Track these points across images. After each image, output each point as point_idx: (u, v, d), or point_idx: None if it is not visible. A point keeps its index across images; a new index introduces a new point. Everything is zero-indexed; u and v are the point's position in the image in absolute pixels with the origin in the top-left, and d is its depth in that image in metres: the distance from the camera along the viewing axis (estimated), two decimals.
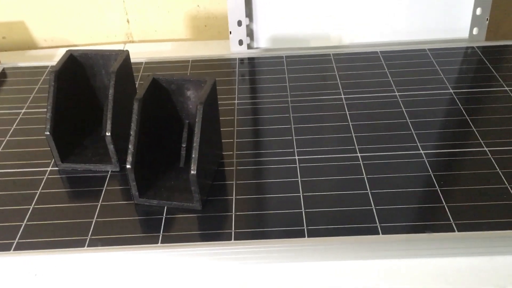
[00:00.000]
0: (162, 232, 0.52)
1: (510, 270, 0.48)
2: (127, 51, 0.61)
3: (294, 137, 0.64)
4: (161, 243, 0.51)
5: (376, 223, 0.51)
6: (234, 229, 0.52)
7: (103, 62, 0.62)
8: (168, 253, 0.50)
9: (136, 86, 0.68)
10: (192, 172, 0.51)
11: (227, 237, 0.51)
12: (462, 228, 0.50)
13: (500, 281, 0.47)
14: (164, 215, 0.54)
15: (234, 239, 0.51)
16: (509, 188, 0.54)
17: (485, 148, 0.60)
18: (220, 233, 0.51)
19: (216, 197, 0.56)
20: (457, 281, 0.47)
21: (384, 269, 0.48)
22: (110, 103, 0.57)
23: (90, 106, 0.65)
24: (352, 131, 0.64)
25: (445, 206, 0.53)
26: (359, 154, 0.60)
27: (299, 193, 0.55)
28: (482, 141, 0.61)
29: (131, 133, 0.53)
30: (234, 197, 0.56)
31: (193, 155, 0.51)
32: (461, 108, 0.68)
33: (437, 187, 0.55)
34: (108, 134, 0.57)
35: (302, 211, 0.53)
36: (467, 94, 0.70)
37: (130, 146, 0.53)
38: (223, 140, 0.63)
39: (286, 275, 0.48)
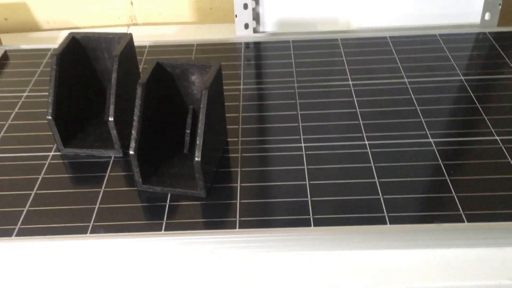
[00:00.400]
0: (166, 220, 0.51)
1: None
2: (131, 34, 0.60)
3: (300, 124, 0.62)
4: (164, 230, 0.50)
5: (384, 213, 0.50)
6: (239, 217, 0.51)
7: (106, 46, 0.60)
8: (171, 241, 0.49)
9: (140, 70, 0.67)
10: (196, 159, 0.50)
11: (231, 225, 0.50)
12: (471, 218, 0.49)
13: (511, 273, 0.46)
14: (168, 202, 0.53)
15: (239, 228, 0.50)
16: None
17: (496, 137, 0.59)
18: (224, 221, 0.50)
19: (221, 184, 0.55)
20: (466, 272, 0.46)
21: (391, 260, 0.48)
22: (113, 87, 0.56)
23: (93, 90, 0.63)
24: (360, 118, 0.63)
25: (455, 196, 0.52)
26: (366, 142, 0.59)
27: (305, 181, 0.54)
28: (493, 130, 0.60)
29: (135, 118, 0.52)
30: (239, 185, 0.55)
31: (197, 142, 0.50)
32: (472, 95, 0.66)
33: (447, 177, 0.54)
34: (111, 119, 0.56)
35: (308, 200, 0.52)
36: (478, 81, 0.69)
37: (133, 132, 0.52)
38: (228, 126, 0.62)
39: (290, 264, 0.48)
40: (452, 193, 0.52)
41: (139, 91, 0.51)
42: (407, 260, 0.48)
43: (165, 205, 0.53)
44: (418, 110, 0.64)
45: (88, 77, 0.62)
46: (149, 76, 0.52)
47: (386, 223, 0.49)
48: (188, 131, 0.57)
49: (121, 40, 0.59)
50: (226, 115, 0.61)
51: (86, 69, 0.62)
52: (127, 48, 0.58)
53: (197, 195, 0.53)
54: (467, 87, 0.68)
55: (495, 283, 0.46)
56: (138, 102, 0.52)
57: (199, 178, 0.52)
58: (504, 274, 0.46)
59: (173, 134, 0.58)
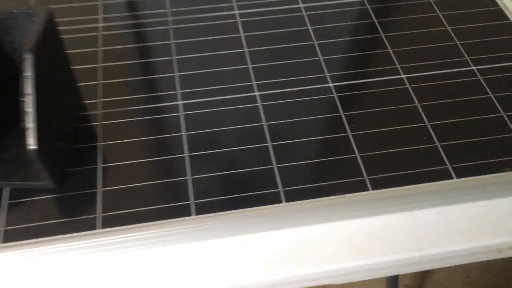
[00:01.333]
0: (5, 226, 0.39)
1: (428, 230, 0.42)
2: None
3: (176, 74, 0.51)
4: (2, 242, 0.38)
5: (278, 188, 0.42)
6: (103, 213, 0.40)
7: None
8: (12, 255, 0.38)
9: None
10: (30, 147, 0.37)
11: (91, 225, 0.39)
12: (376, 184, 0.42)
13: (419, 243, 0.41)
14: (3, 200, 0.41)
15: (102, 227, 0.39)
16: (429, 127, 0.47)
17: (402, 75, 0.51)
18: (82, 220, 0.40)
19: (78, 167, 0.43)
20: (371, 247, 0.41)
21: (290, 238, 0.40)
22: None
23: None
24: (249, 61, 0.52)
25: (358, 156, 0.44)
26: (257, 93, 0.49)
27: (184, 153, 0.44)
28: (398, 66, 0.52)
29: None
30: (101, 166, 0.43)
31: (27, 125, 0.37)
32: (375, 21, 0.57)
33: (349, 132, 0.46)
34: None
35: (187, 179, 0.42)
36: (381, 2, 0.60)
37: None
38: (82, 83, 0.48)
39: (169, 261, 0.39)
40: (355, 153, 0.45)
41: None
42: (306, 237, 0.41)
43: (1, 205, 0.40)
44: (316, 45, 0.54)
45: None
46: None
47: (281, 201, 0.41)
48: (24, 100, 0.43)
49: None
50: (79, 67, 0.48)
51: None
52: None
53: (44, 187, 0.41)
54: (370, 10, 0.58)
55: (404, 256, 0.40)
56: None
57: (41, 169, 0.39)
58: (412, 245, 0.41)
59: (2, 105, 0.44)
